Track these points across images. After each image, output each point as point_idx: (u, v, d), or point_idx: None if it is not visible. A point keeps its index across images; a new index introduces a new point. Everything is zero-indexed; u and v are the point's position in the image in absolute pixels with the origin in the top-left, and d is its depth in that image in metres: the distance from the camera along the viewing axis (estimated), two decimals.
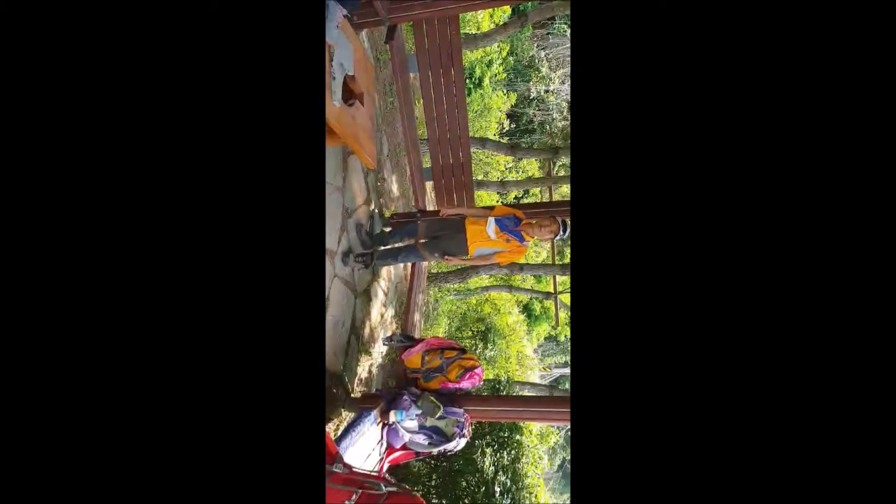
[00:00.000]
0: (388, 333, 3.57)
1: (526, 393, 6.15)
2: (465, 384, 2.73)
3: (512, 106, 7.90)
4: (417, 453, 2.66)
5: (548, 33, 8.30)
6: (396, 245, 3.01)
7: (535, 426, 4.22)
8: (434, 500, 3.30)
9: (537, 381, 9.49)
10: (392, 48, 2.79)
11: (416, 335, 3.51)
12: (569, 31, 7.61)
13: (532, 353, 10.16)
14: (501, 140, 7.39)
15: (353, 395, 2.90)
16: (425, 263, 4.15)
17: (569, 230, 2.58)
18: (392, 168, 4.23)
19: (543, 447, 4.68)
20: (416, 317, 3.82)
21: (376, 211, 3.36)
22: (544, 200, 6.90)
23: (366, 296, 3.34)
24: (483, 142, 5.55)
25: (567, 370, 14.01)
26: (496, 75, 7.17)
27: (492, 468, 3.37)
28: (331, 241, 2.76)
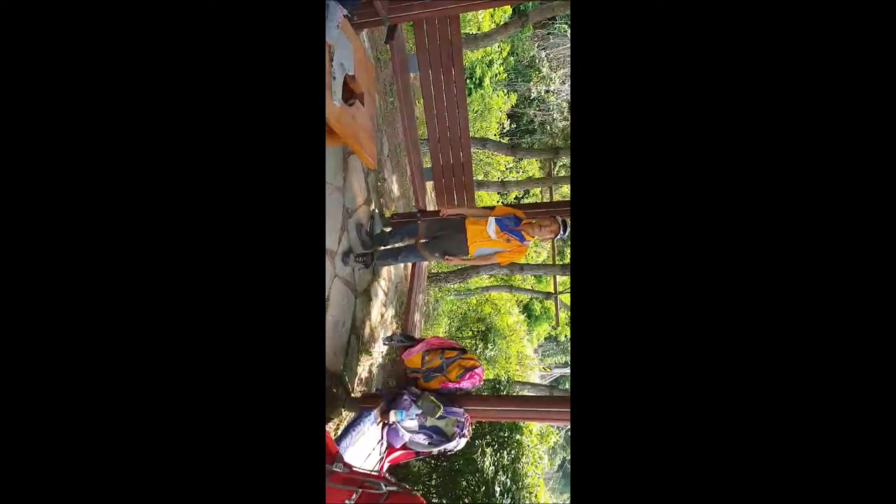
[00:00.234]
0: (389, 333, 3.57)
1: (526, 393, 6.15)
2: (466, 384, 2.73)
3: (512, 106, 7.90)
4: (417, 453, 2.66)
5: (548, 33, 8.29)
6: (397, 245, 3.01)
7: (535, 426, 4.21)
8: (434, 500, 3.30)
9: (537, 381, 9.49)
10: (392, 48, 2.79)
11: (417, 335, 3.51)
12: (569, 31, 7.60)
13: (532, 353, 10.16)
14: (502, 140, 7.39)
15: (353, 395, 2.90)
16: (425, 263, 4.15)
17: (569, 230, 2.58)
18: (392, 168, 4.23)
19: (543, 447, 4.68)
20: (417, 317, 3.82)
21: (376, 211, 3.36)
22: (545, 200, 6.91)
23: (366, 296, 3.34)
24: (483, 142, 5.55)
25: (567, 370, 14.01)
26: (497, 75, 7.17)
27: (492, 468, 3.37)
28: (331, 241, 2.76)
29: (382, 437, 2.47)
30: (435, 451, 2.60)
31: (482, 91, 6.78)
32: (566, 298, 6.86)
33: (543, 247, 8.49)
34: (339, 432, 2.31)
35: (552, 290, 6.61)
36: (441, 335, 5.57)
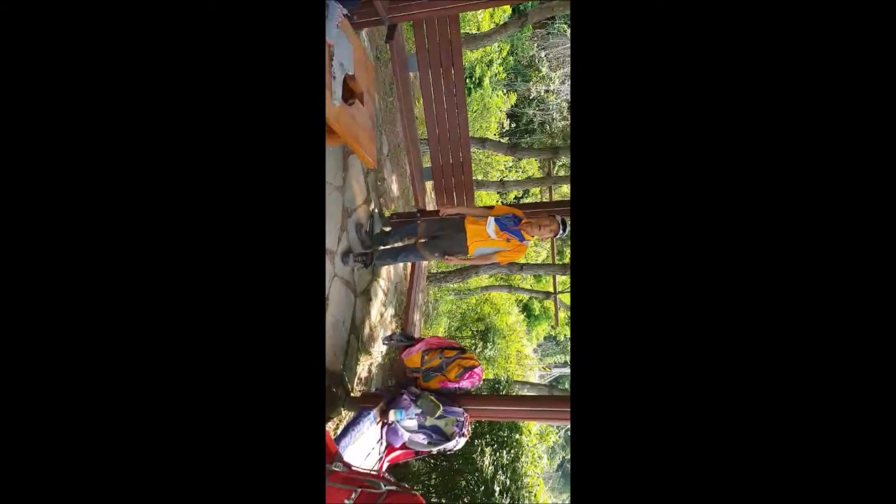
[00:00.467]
0: (388, 333, 3.57)
1: (525, 392, 6.15)
2: (465, 384, 2.74)
3: (512, 106, 7.90)
4: (417, 452, 2.66)
5: (548, 33, 8.29)
6: (396, 245, 3.01)
7: (535, 426, 4.22)
8: (433, 499, 3.30)
9: (537, 380, 9.50)
10: (392, 48, 2.79)
11: (416, 335, 3.51)
12: (569, 31, 7.60)
13: (531, 353, 10.16)
14: (501, 140, 7.39)
15: (352, 395, 2.90)
16: (425, 263, 4.15)
17: (568, 229, 2.58)
18: (392, 167, 4.23)
19: (543, 447, 4.69)
20: (416, 316, 3.82)
21: (376, 210, 3.36)
22: (544, 200, 6.90)
23: (366, 295, 3.34)
24: (483, 142, 5.55)
25: (566, 370, 14.02)
26: (496, 75, 7.17)
27: (491, 467, 3.38)
28: (331, 241, 2.76)
29: (382, 437, 2.47)
30: (434, 450, 2.60)
31: (482, 91, 6.78)
32: (566, 298, 6.86)
33: (543, 246, 8.49)
34: (339, 432, 2.31)
35: (552, 290, 6.61)
36: (440, 335, 5.57)
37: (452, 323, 6.61)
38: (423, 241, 2.79)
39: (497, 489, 3.26)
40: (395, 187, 4.25)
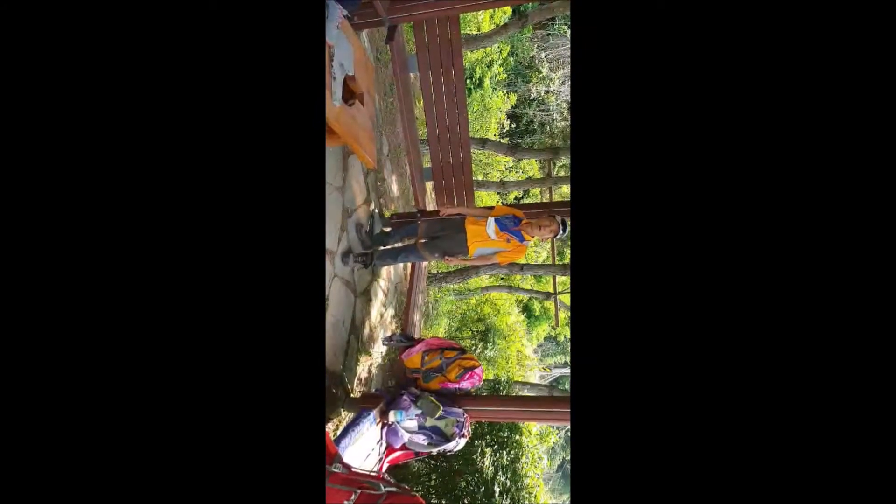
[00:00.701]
0: (388, 333, 3.57)
1: (525, 393, 6.15)
2: (465, 384, 2.73)
3: (512, 106, 7.90)
4: (417, 453, 2.66)
5: (548, 34, 8.30)
6: (396, 245, 3.01)
7: (535, 426, 4.21)
8: (433, 500, 3.30)
9: (537, 381, 9.49)
10: (392, 48, 2.79)
11: (416, 335, 3.51)
12: (569, 32, 7.60)
13: (532, 354, 10.16)
14: (501, 140, 7.39)
15: (352, 395, 2.90)
16: (425, 263, 4.15)
17: (568, 229, 2.58)
18: (392, 168, 4.23)
19: (543, 447, 4.68)
20: (416, 317, 3.82)
21: (376, 211, 3.36)
22: (544, 201, 6.90)
23: (366, 296, 3.34)
24: (483, 142, 5.55)
25: (566, 370, 14.02)
26: (496, 76, 7.17)
27: (491, 468, 3.37)
28: (331, 242, 2.76)
29: (382, 438, 2.47)
30: (434, 451, 2.60)
31: (482, 91, 6.78)
32: (566, 298, 6.86)
33: (543, 247, 8.49)
34: (339, 432, 2.31)
35: (552, 291, 6.61)
36: (441, 335, 5.57)
37: (452, 323, 6.61)
38: (423, 241, 2.79)
39: (497, 490, 3.26)
40: (395, 188, 4.25)
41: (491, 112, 7.08)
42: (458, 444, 2.57)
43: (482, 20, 6.61)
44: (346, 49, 1.92)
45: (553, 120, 8.24)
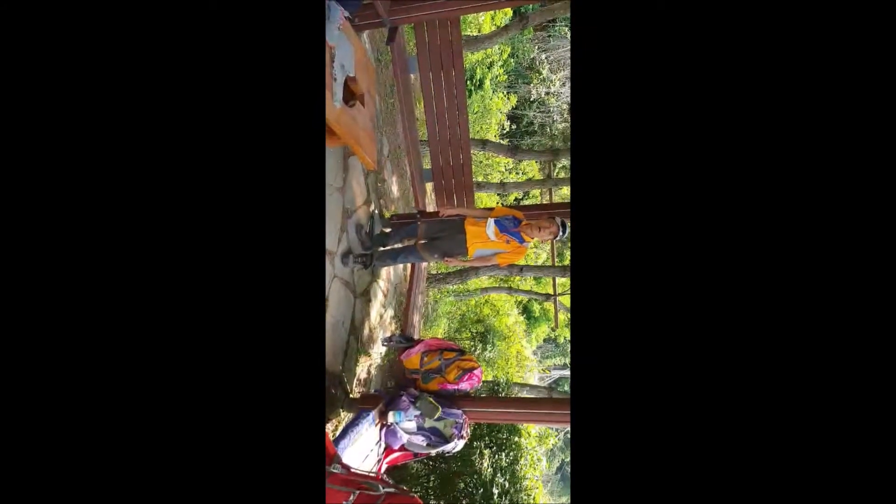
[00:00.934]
0: (388, 334, 3.56)
1: (525, 395, 6.15)
2: (464, 385, 2.73)
3: (512, 108, 7.91)
4: (416, 454, 2.65)
5: (549, 35, 8.30)
6: (396, 246, 3.01)
7: (534, 428, 4.21)
8: (432, 501, 3.29)
9: (536, 382, 9.49)
10: (393, 49, 2.79)
11: (416, 336, 3.51)
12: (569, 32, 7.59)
13: (531, 355, 10.15)
14: (502, 142, 7.39)
15: (351, 396, 2.89)
16: (425, 264, 4.15)
17: (568, 230, 2.59)
18: (392, 169, 4.23)
19: (542, 449, 4.68)
20: (416, 318, 3.81)
21: (376, 212, 3.36)
22: (544, 202, 6.90)
23: (365, 296, 3.34)
24: (483, 143, 5.56)
25: (566, 372, 14.01)
26: (497, 77, 7.18)
27: (490, 470, 3.37)
28: (331, 242, 2.76)
29: (381, 439, 2.47)
30: (433, 452, 2.60)
31: (482, 93, 6.78)
32: (565, 300, 6.86)
33: (543, 248, 8.49)
34: (338, 433, 2.31)
35: (551, 292, 6.61)
36: (440, 336, 5.57)
37: (452, 324, 6.61)
38: (422, 242, 2.79)
39: (496, 491, 3.25)
40: (395, 188, 4.25)
41: (491, 113, 7.08)
42: (456, 446, 2.56)
43: (483, 22, 6.62)
44: (347, 50, 1.92)
45: (553, 121, 8.25)
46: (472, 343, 6.53)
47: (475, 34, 6.06)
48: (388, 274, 3.89)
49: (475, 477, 3.31)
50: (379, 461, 2.45)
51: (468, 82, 6.51)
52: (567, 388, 11.09)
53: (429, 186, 3.69)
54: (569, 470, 0.74)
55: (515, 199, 8.48)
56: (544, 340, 13.21)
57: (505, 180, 7.28)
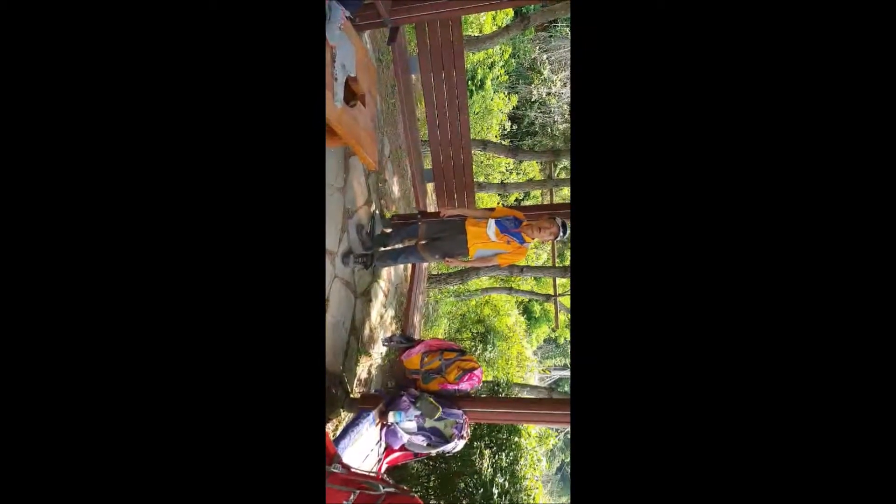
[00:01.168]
0: (388, 334, 3.56)
1: (525, 395, 6.14)
2: (465, 386, 2.73)
3: (513, 108, 7.91)
4: (416, 454, 2.65)
5: (550, 36, 8.30)
6: (397, 246, 3.01)
7: (534, 428, 4.21)
8: (432, 501, 3.29)
9: (536, 383, 9.48)
10: (394, 49, 2.79)
11: (416, 336, 3.51)
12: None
13: (531, 355, 10.15)
14: (503, 142, 7.39)
15: (352, 396, 2.90)
16: (425, 265, 4.15)
17: (568, 231, 2.59)
18: (393, 169, 4.24)
19: (542, 449, 4.68)
20: (416, 318, 3.81)
21: (377, 212, 3.37)
22: (545, 202, 6.90)
23: (366, 297, 3.34)
24: (484, 144, 5.56)
25: (566, 372, 14.00)
26: (498, 77, 7.18)
27: (490, 470, 3.37)
28: (331, 242, 2.76)
29: (381, 438, 2.47)
30: (433, 452, 2.60)
31: (483, 93, 6.78)
32: (566, 300, 6.85)
33: (543, 248, 8.49)
34: (338, 433, 2.31)
35: (552, 292, 6.61)
36: (440, 336, 5.57)
37: (452, 325, 6.61)
38: (423, 242, 2.79)
39: (496, 491, 3.25)
40: (396, 189, 4.25)
41: (492, 114, 7.08)
42: (456, 446, 2.56)
43: (484, 22, 6.62)
44: (348, 50, 1.92)
45: (554, 122, 8.25)
46: (472, 343, 6.53)
47: (476, 34, 6.06)
48: (388, 274, 3.89)
49: (475, 477, 3.31)
50: (379, 461, 2.45)
51: (469, 82, 6.50)
52: (567, 388, 11.09)
53: (430, 187, 3.69)
54: (569, 470, 0.74)
55: (516, 200, 8.48)
56: (544, 341, 13.21)
57: (506, 181, 7.28)
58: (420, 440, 2.52)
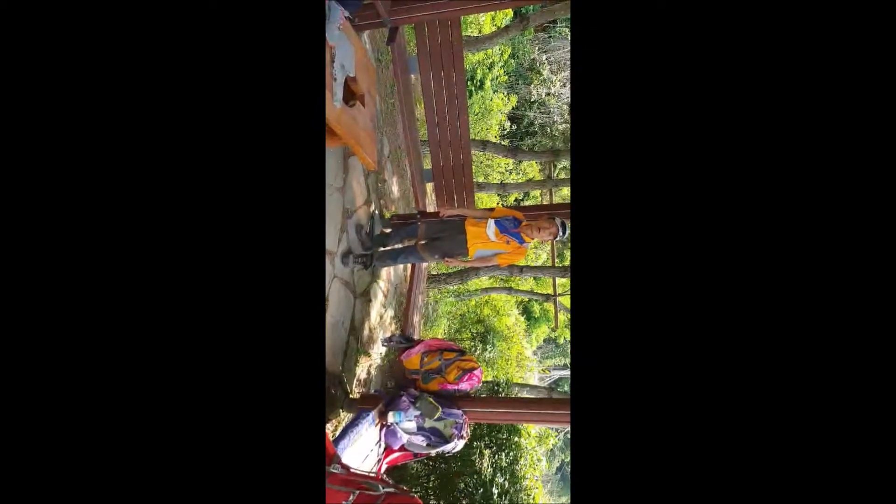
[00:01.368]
0: (388, 334, 3.56)
1: (525, 395, 6.14)
2: (464, 386, 2.73)
3: (513, 108, 7.91)
4: (415, 454, 2.65)
5: (549, 36, 8.31)
6: (396, 246, 3.01)
7: (534, 428, 4.21)
8: (432, 502, 3.29)
9: (536, 382, 9.48)
10: (393, 50, 2.79)
11: (416, 336, 3.51)
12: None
13: (531, 355, 10.15)
14: (502, 142, 7.40)
15: (351, 396, 2.89)
16: (425, 265, 4.15)
17: (568, 231, 2.59)
18: (393, 169, 4.24)
19: (542, 449, 4.68)
20: (416, 318, 3.81)
21: (376, 212, 3.37)
22: (544, 203, 6.90)
23: (365, 297, 3.34)
24: (484, 144, 5.56)
25: (566, 372, 14.01)
26: (497, 78, 7.18)
27: (490, 470, 3.37)
28: (331, 242, 2.76)
29: (380, 439, 2.47)
30: (433, 452, 2.60)
31: (483, 93, 6.79)
32: (565, 300, 6.85)
33: (543, 248, 8.49)
34: (338, 433, 2.31)
35: (552, 292, 6.61)
36: (440, 336, 5.57)
37: (452, 325, 6.61)
38: (423, 242, 2.79)
39: (496, 491, 3.25)
40: (395, 189, 4.25)
41: (492, 114, 7.09)
42: (456, 446, 2.56)
43: (483, 22, 6.62)
44: (348, 50, 1.92)
45: (554, 122, 8.26)
46: (472, 343, 6.53)
47: (476, 35, 6.06)
48: (388, 274, 3.89)
49: (475, 477, 3.31)
50: (379, 461, 2.45)
51: (468, 83, 6.51)
52: (567, 388, 11.09)
53: (429, 187, 3.69)
54: (569, 470, 0.74)
55: (516, 200, 8.49)
56: (544, 341, 13.22)
57: (505, 181, 7.29)
58: (420, 440, 2.52)
